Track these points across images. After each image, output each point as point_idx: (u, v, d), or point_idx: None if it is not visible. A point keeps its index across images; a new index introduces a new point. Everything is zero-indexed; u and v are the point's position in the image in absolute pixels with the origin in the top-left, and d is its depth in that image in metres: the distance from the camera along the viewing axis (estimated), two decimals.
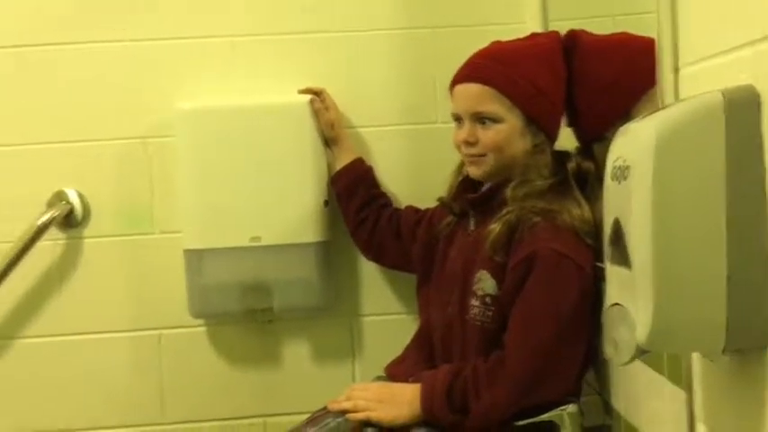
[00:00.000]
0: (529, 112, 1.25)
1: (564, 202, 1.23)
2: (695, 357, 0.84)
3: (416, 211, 1.51)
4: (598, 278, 1.15)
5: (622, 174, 0.71)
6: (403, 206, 1.55)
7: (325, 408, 1.30)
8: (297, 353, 1.61)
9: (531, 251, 1.18)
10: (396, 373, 1.36)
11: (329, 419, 1.25)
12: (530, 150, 1.26)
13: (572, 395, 1.21)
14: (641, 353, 0.72)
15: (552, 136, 1.30)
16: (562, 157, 1.30)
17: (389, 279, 1.59)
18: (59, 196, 1.55)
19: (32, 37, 1.55)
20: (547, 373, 1.17)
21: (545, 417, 1.17)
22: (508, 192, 1.24)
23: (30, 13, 1.56)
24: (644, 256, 0.68)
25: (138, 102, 1.57)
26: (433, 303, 1.37)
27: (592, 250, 1.20)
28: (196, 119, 1.52)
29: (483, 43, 1.33)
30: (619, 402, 1.21)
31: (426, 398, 1.20)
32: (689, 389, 0.88)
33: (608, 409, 1.25)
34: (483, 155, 1.27)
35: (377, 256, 1.55)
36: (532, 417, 1.17)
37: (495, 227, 1.22)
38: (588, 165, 1.28)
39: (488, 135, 1.25)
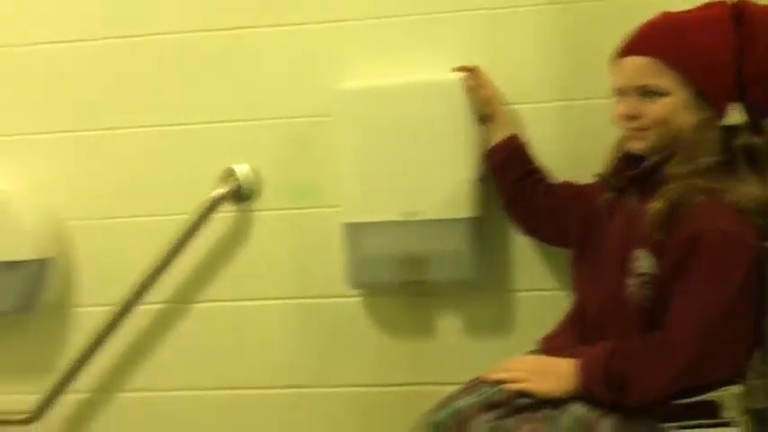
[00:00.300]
0: (699, 85, 1.22)
1: (730, 181, 1.19)
2: None
3: (573, 185, 1.51)
4: (765, 257, 1.12)
5: None
6: (558, 182, 1.55)
7: (478, 378, 1.33)
8: (449, 325, 1.66)
9: (696, 230, 1.15)
10: (550, 348, 1.38)
11: (484, 389, 1.28)
12: (696, 125, 1.23)
13: (736, 376, 1.18)
14: None
15: (721, 111, 1.26)
16: (730, 132, 1.25)
17: (543, 254, 1.60)
18: (231, 172, 1.66)
19: (213, 22, 1.67)
20: (712, 354, 1.15)
21: (707, 396, 1.15)
22: (671, 168, 1.22)
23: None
24: None
25: (303, 83, 1.66)
26: (589, 280, 1.37)
27: (759, 229, 1.16)
28: (354, 98, 1.58)
29: (644, 16, 1.30)
30: None
31: (583, 373, 1.20)
32: None
33: None
34: (646, 128, 1.24)
35: (532, 230, 1.56)
36: (692, 396, 1.16)
37: (657, 204, 1.20)
38: (758, 140, 1.23)
39: (654, 109, 1.23)
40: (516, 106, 1.58)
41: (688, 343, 1.15)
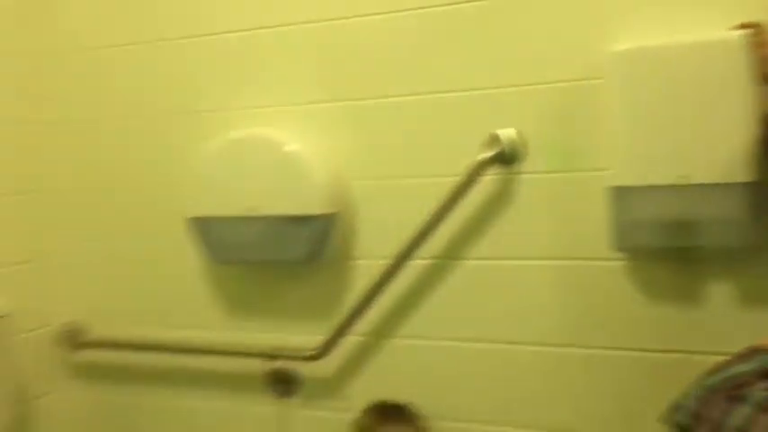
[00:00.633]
0: None
1: None
2: None
3: None
4: None
5: None
6: None
7: (753, 346, 1.28)
8: (718, 293, 1.60)
9: None
10: None
11: (761, 356, 1.24)
12: None
13: None
14: None
15: None
16: None
17: None
18: (496, 137, 1.73)
19: None
20: None
21: None
22: None
23: None
24: None
25: (572, 45, 1.67)
26: None
27: None
28: (628, 59, 1.56)
29: None
30: None
31: None
32: None
33: None
34: None
35: None
36: None
37: None
38: None
39: None
40: None
41: None
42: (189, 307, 2.12)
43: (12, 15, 2.15)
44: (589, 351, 1.73)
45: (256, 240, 1.89)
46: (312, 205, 1.83)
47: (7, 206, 2.12)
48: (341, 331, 1.89)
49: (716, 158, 1.50)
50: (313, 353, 1.92)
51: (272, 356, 1.99)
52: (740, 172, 1.48)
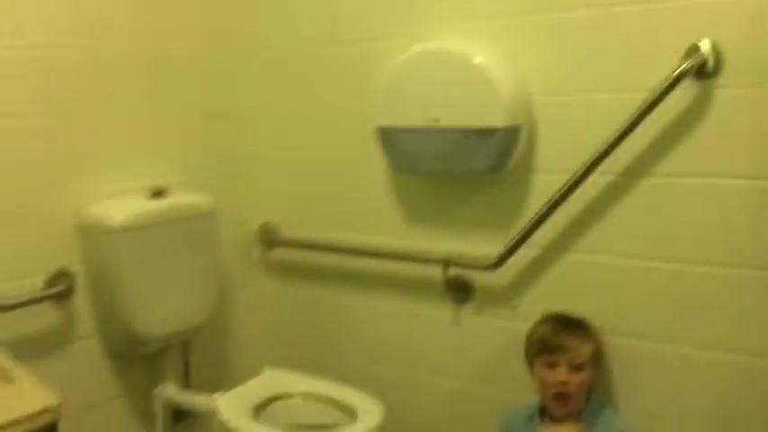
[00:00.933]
0: None
1: None
2: None
3: None
4: None
5: None
6: None
7: None
8: None
9: None
10: None
11: None
12: None
13: None
14: None
15: None
16: None
17: None
18: (695, 48, 1.66)
19: None
20: None
21: None
22: None
23: None
24: None
25: None
26: None
27: None
28: None
29: None
30: None
31: None
32: None
33: None
34: None
35: None
36: None
37: None
38: None
39: None
40: None
41: None
42: (374, 214, 2.24)
43: None
44: None
45: (439, 151, 1.95)
46: (496, 118, 1.85)
47: (208, 115, 2.32)
48: (518, 243, 1.93)
49: None
50: (490, 262, 1.98)
51: (450, 264, 2.07)
52: None
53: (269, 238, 2.46)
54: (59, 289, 1.88)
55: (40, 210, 1.86)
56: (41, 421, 1.18)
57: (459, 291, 2.11)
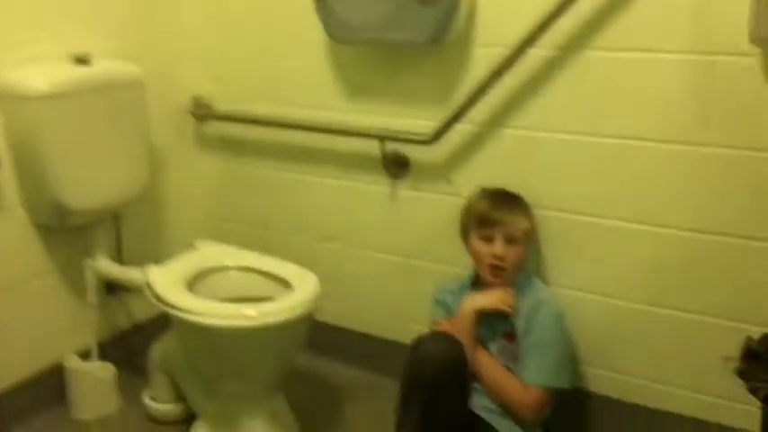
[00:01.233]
0: None
1: None
2: None
3: None
4: None
5: None
6: None
7: None
8: None
9: None
10: None
11: None
12: None
13: None
14: None
15: None
16: None
17: None
18: None
19: None
20: None
21: None
22: None
23: None
24: None
25: None
26: None
27: None
28: None
29: None
30: None
31: None
32: None
33: None
34: None
35: None
36: None
37: None
38: None
39: None
40: None
41: None
42: (311, 87, 2.19)
43: None
44: (713, 150, 1.68)
45: (379, 20, 1.89)
46: None
47: None
48: (455, 118, 1.92)
49: None
50: (426, 137, 1.97)
51: (386, 138, 2.06)
52: None
53: (203, 112, 2.39)
54: None
55: None
56: None
57: (396, 165, 2.10)
